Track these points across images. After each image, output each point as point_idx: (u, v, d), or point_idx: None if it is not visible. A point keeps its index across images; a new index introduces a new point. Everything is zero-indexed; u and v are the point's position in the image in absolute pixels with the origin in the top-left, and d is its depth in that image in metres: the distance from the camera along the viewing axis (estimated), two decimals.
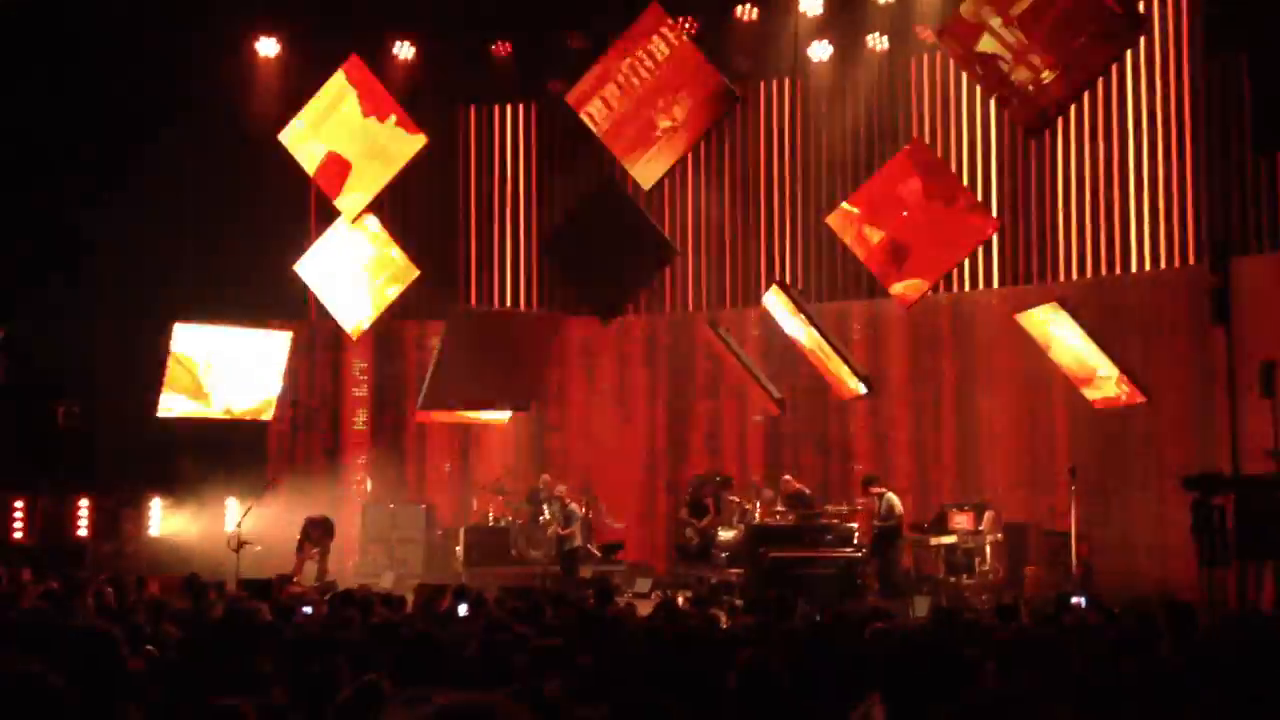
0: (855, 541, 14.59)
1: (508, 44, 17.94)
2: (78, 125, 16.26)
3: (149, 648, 6.04)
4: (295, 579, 14.10)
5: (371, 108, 16.33)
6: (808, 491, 16.03)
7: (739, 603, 12.09)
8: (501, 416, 18.08)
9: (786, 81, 18.14)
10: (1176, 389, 14.70)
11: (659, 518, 18.30)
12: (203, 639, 6.13)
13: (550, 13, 17.17)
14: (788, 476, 16.36)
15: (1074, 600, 11.86)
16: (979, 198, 15.93)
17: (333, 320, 17.84)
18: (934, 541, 14.90)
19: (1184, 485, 12.69)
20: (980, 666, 4.89)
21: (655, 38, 15.21)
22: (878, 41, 17.15)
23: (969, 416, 16.78)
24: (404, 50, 17.65)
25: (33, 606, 7.96)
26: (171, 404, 16.62)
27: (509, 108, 19.19)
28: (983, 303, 16.73)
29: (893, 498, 15.07)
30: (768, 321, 16.96)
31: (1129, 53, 14.42)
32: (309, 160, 16.75)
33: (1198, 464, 13.45)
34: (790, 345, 16.57)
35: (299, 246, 17.97)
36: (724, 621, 8.88)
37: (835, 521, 15.03)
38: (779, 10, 17.08)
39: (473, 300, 18.80)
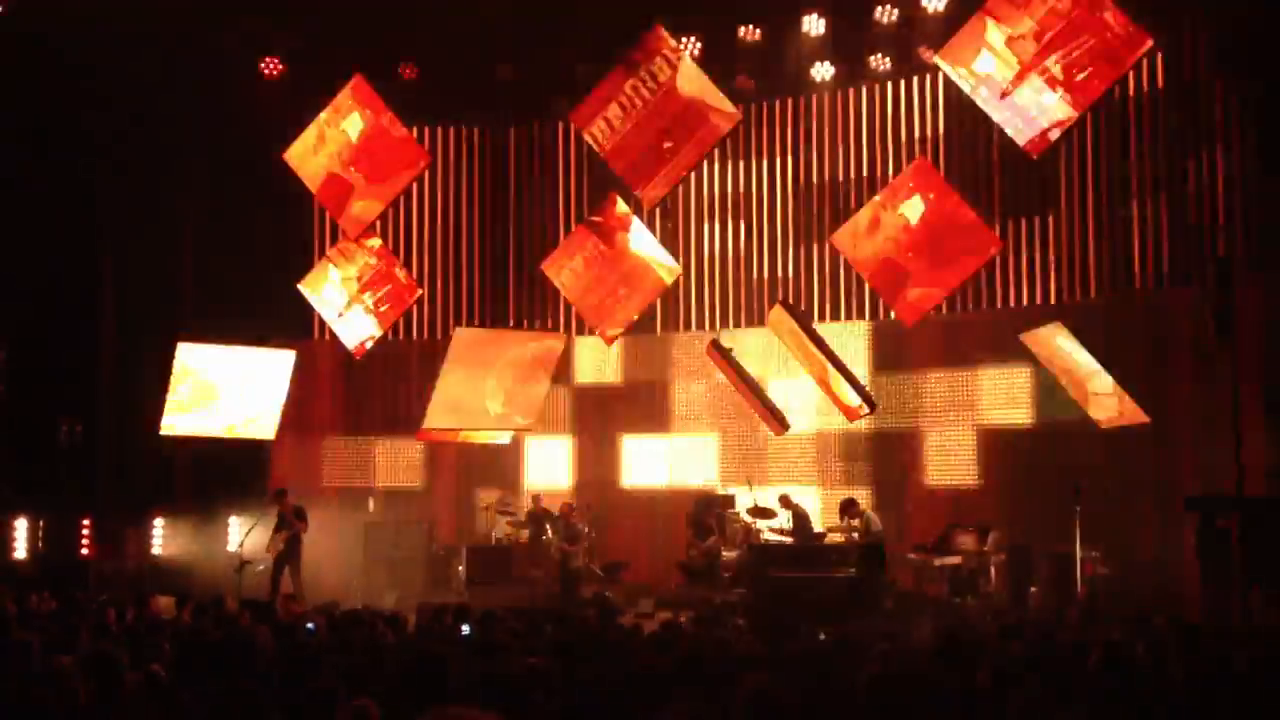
0: (857, 561, 14.52)
1: (511, 65, 17.98)
2: (83, 147, 16.30)
3: (152, 667, 6.01)
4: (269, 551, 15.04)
5: (376, 128, 16.38)
6: (806, 511, 16.01)
7: (743, 623, 12.02)
8: (504, 436, 18.06)
9: (789, 101, 18.18)
10: (1181, 409, 14.64)
11: (663, 538, 18.22)
12: (201, 659, 6.11)
13: (553, 34, 17.20)
14: (786, 493, 16.33)
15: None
16: (982, 217, 15.92)
17: (336, 339, 17.86)
18: (938, 562, 14.81)
19: (1186, 506, 12.64)
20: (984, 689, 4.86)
21: (658, 59, 15.26)
22: (880, 62, 17.19)
23: (972, 436, 16.75)
24: (408, 71, 17.67)
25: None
26: (174, 422, 16.64)
27: (513, 128, 19.20)
28: (986, 322, 16.71)
29: (872, 515, 15.33)
30: (771, 341, 16.96)
31: (1134, 73, 14.43)
32: (313, 179, 16.80)
33: (1202, 484, 13.39)
34: (794, 364, 16.56)
35: (303, 265, 18.00)
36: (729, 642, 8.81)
37: (838, 541, 14.93)
38: (782, 30, 17.14)
39: (476, 319, 18.80)
